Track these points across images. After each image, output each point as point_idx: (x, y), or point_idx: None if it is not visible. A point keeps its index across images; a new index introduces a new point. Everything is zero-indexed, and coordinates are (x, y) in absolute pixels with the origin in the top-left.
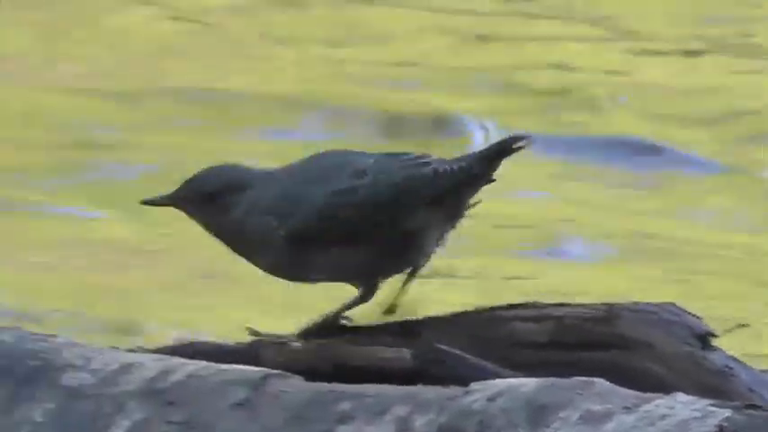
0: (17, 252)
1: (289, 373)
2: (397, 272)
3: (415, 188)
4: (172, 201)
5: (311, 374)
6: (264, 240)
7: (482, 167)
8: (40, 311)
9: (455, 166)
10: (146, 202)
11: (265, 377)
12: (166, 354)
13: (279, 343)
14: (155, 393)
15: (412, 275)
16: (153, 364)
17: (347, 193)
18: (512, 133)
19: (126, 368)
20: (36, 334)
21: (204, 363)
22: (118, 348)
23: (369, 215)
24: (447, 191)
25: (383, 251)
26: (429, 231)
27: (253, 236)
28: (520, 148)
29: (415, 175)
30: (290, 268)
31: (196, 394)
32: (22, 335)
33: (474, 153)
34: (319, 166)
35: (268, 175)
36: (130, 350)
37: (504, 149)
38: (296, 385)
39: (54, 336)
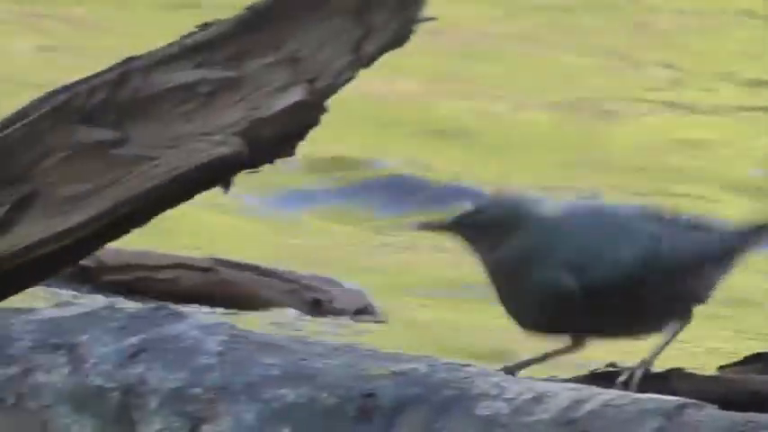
0: None
1: (703, 403)
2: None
3: (711, 253)
4: (452, 227)
5: (724, 404)
6: (547, 292)
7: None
8: None
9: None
10: (422, 227)
11: (681, 406)
12: (581, 383)
13: (691, 373)
14: (569, 423)
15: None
16: (567, 394)
17: (650, 252)
18: None
19: (540, 397)
20: (449, 363)
21: (619, 392)
22: (532, 378)
23: (669, 278)
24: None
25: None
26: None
27: (532, 285)
28: None
29: (709, 239)
30: (567, 325)
31: (610, 423)
32: (435, 364)
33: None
34: (610, 219)
35: (553, 218)
36: (545, 379)
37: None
38: (712, 414)
39: (468, 365)
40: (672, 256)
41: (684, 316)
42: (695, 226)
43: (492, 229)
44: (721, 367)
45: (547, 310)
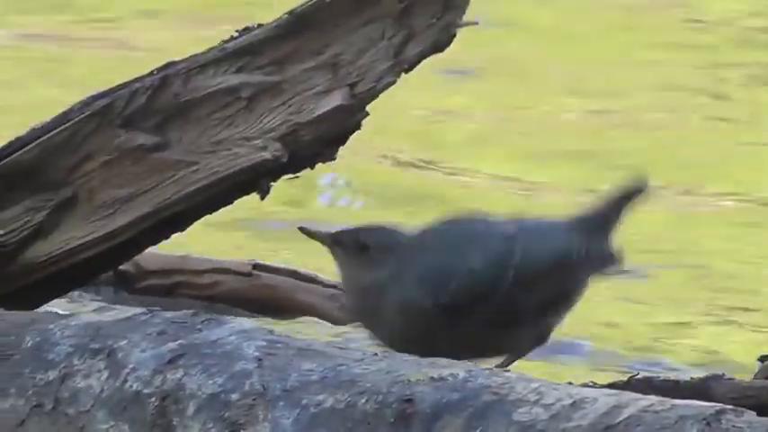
0: None
1: (742, 409)
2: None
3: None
4: (330, 241)
5: (763, 410)
6: (407, 311)
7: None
8: None
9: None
10: (305, 231)
11: (719, 412)
12: (619, 389)
13: (730, 379)
14: (607, 429)
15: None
16: (605, 399)
17: (505, 256)
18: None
19: (578, 403)
20: (488, 368)
21: (657, 398)
22: (571, 383)
23: (529, 280)
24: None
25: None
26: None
27: (393, 305)
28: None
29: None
30: (437, 345)
31: (649, 429)
32: (473, 369)
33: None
34: (460, 233)
35: (414, 241)
36: (584, 385)
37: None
38: (751, 421)
39: (507, 370)
40: (527, 261)
41: (552, 322)
42: (553, 228)
43: (363, 253)
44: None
45: (411, 330)
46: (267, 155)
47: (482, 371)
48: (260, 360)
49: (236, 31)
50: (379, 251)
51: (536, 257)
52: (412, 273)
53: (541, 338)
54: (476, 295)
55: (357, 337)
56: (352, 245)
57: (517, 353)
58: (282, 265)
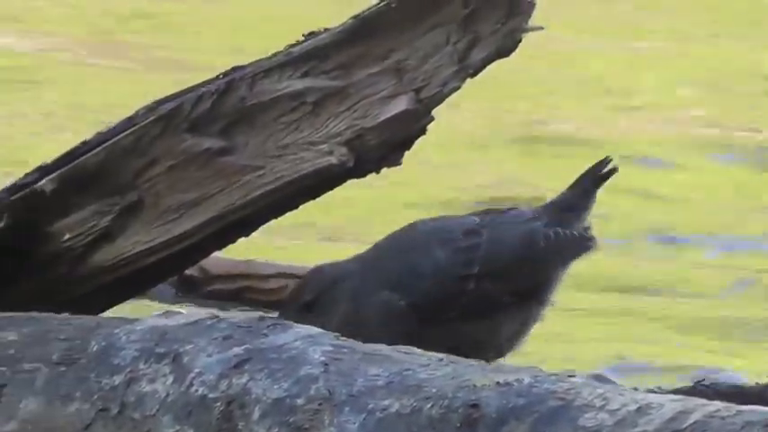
0: None
1: None
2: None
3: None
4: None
5: None
6: (383, 319)
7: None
8: None
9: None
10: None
11: None
12: (684, 394)
13: None
14: None
15: None
16: (671, 405)
17: (468, 250)
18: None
19: (644, 409)
20: (554, 374)
21: (723, 403)
22: (637, 389)
23: (498, 271)
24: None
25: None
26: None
27: (369, 318)
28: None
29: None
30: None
31: None
32: (539, 375)
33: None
34: (420, 235)
35: (359, 261)
36: (650, 390)
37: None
38: None
39: (572, 375)
40: (493, 252)
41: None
42: (518, 218)
43: (311, 310)
44: None
45: (394, 336)
46: (333, 159)
47: (548, 376)
48: (326, 365)
49: (302, 35)
50: (322, 300)
51: (501, 248)
52: (380, 281)
53: (526, 328)
54: (446, 291)
55: None
56: (300, 310)
57: (505, 345)
58: None
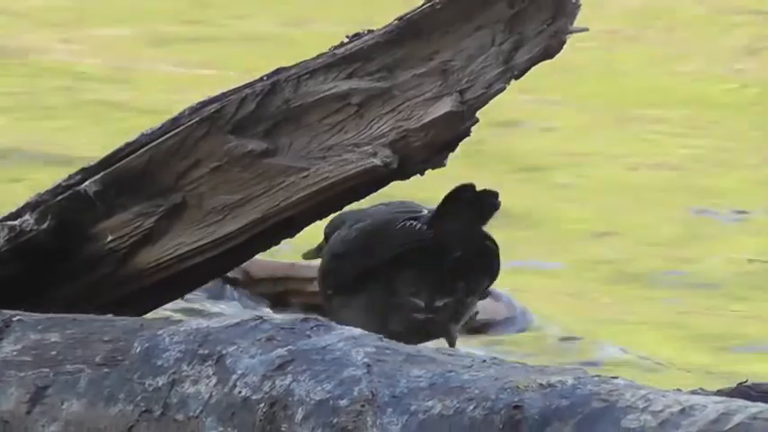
0: None
1: None
2: None
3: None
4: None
5: None
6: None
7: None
8: None
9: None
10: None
11: None
12: (726, 395)
13: None
14: None
15: None
16: (714, 406)
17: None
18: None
19: (687, 410)
20: (597, 376)
21: (766, 405)
22: (680, 390)
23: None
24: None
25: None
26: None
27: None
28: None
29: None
30: None
31: None
32: (582, 376)
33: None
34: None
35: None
36: (693, 392)
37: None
38: None
39: (615, 377)
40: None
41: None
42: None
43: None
44: None
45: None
46: (377, 161)
47: (591, 378)
48: (369, 366)
49: (347, 36)
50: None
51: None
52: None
53: (460, 313)
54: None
55: (466, 342)
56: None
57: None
58: None
